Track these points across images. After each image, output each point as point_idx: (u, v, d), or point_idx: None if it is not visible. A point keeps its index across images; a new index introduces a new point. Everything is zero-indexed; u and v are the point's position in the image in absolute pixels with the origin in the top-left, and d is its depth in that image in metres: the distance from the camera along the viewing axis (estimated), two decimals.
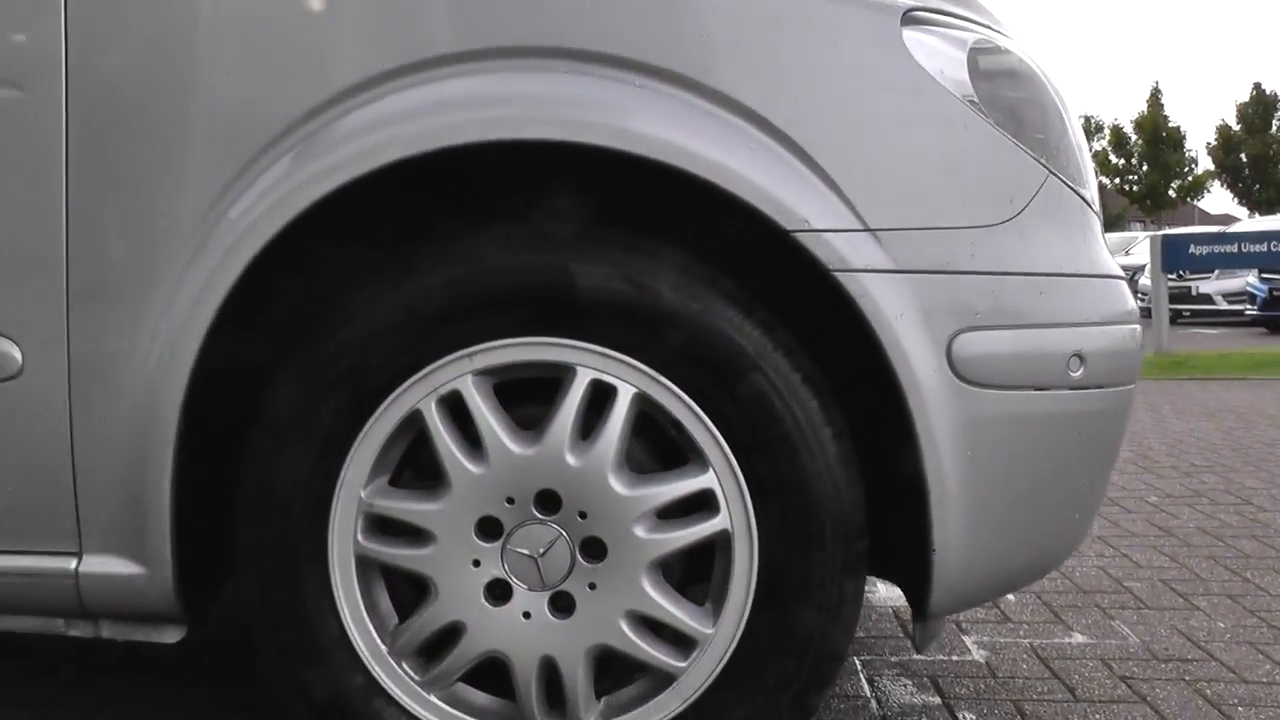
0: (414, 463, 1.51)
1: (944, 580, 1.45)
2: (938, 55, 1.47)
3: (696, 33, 1.43)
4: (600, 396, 1.42)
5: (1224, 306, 15.93)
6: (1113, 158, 48.90)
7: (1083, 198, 1.55)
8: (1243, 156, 46.84)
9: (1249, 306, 13.49)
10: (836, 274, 1.37)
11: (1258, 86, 46.84)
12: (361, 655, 1.48)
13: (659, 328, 1.39)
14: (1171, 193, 47.07)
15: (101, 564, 1.50)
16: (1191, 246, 10.25)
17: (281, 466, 1.44)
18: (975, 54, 1.50)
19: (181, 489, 1.48)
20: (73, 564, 1.50)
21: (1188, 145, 47.90)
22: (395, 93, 1.42)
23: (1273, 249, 10.11)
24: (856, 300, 1.38)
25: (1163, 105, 46.65)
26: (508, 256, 1.41)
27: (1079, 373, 1.46)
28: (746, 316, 1.41)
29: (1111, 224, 57.89)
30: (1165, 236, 10.41)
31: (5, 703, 1.99)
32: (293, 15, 1.45)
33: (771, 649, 1.43)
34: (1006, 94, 1.51)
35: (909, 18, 1.48)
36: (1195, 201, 50.88)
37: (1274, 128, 46.82)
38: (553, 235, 1.43)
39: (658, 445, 1.48)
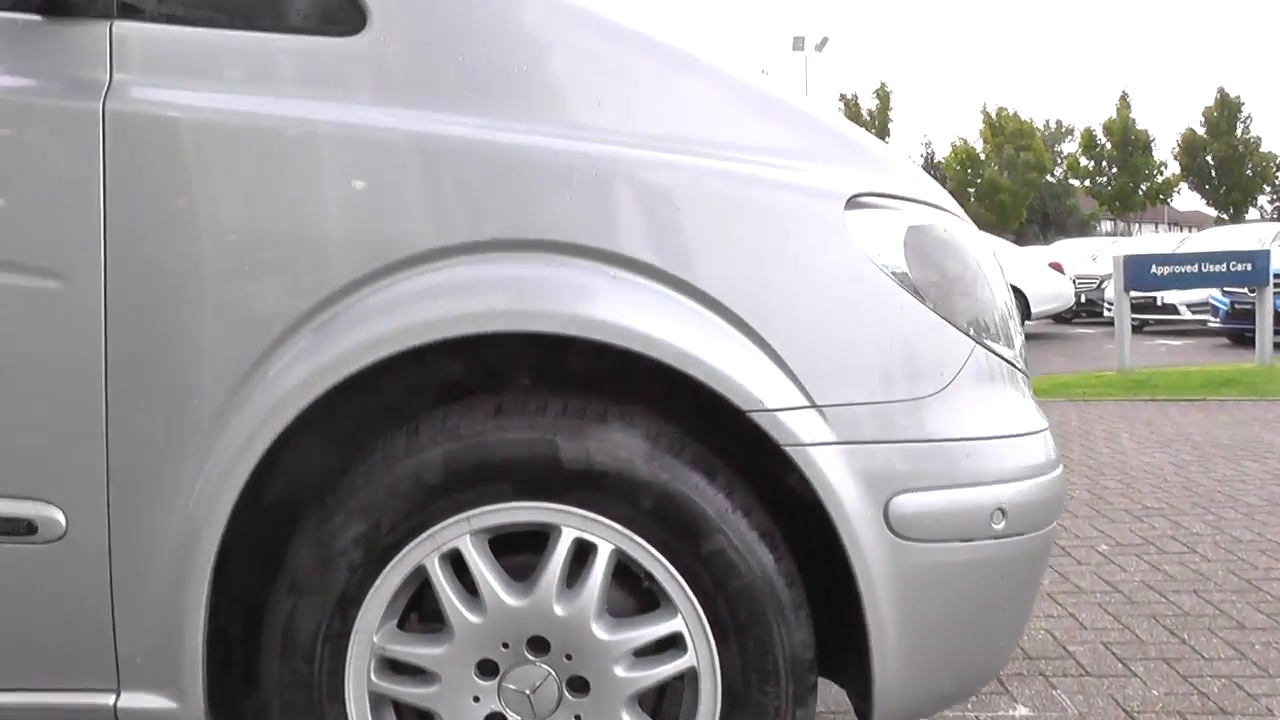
0: (419, 607, 1.70)
1: (885, 705, 1.66)
2: (877, 238, 1.67)
3: (663, 226, 1.63)
4: (582, 551, 1.62)
5: (1188, 316, 16.25)
6: (1083, 160, 49.46)
7: (1008, 360, 1.76)
8: (1209, 159, 47.37)
9: (1212, 318, 13.80)
10: (787, 449, 1.58)
11: (1221, 91, 47.47)
12: None
13: (634, 494, 1.59)
14: (1140, 195, 47.54)
15: (138, 700, 1.68)
16: (1154, 267, 10.54)
17: (303, 617, 1.64)
18: (911, 234, 1.70)
19: (212, 628, 1.67)
20: (111, 699, 1.68)
21: (1156, 149, 48.26)
22: (398, 283, 1.61)
23: (1232, 269, 10.41)
24: (804, 470, 1.58)
25: (1131, 109, 47.15)
26: (499, 433, 1.61)
27: (1001, 525, 1.67)
28: (710, 481, 1.61)
29: (1083, 226, 58.54)
30: (1128, 257, 10.66)
31: None
32: (307, 217, 1.64)
33: None
34: (938, 272, 1.71)
35: (852, 202, 1.68)
36: (1166, 202, 51.54)
37: (1238, 130, 47.37)
38: (539, 410, 1.63)
39: (634, 586, 1.68)
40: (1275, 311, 10.37)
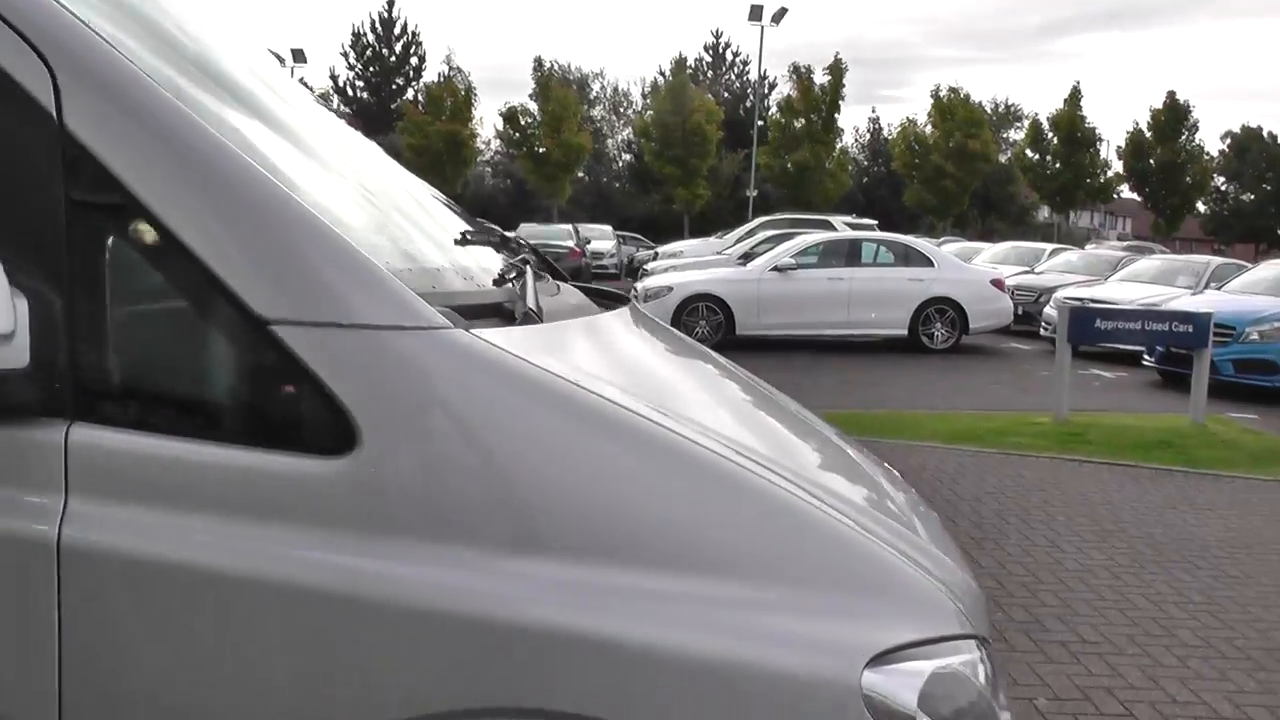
0: None
1: None
2: (899, 691, 1.60)
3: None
4: None
5: (1126, 347, 16.49)
6: (1029, 152, 49.81)
7: None
8: (1151, 162, 47.97)
9: (1147, 357, 13.99)
10: None
11: (1171, 95, 47.97)
12: None
13: None
14: (1081, 193, 48.09)
15: None
16: (1098, 321, 10.63)
17: None
18: (932, 681, 1.63)
19: None
20: None
21: (1103, 147, 48.79)
22: None
23: (1174, 328, 10.53)
24: None
25: (1080, 105, 47.49)
26: None
27: None
28: None
29: (1021, 213, 59.16)
30: (1074, 309, 10.76)
31: None
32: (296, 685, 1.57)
33: None
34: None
35: (874, 660, 1.60)
36: (1104, 205, 52.29)
37: (1184, 136, 48.00)
38: None
39: None
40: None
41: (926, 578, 1.72)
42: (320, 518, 1.54)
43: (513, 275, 2.11)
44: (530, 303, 1.88)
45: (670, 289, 16.13)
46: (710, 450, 1.66)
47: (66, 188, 1.54)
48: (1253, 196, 59.38)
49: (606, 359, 2.04)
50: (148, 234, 1.57)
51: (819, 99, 44.87)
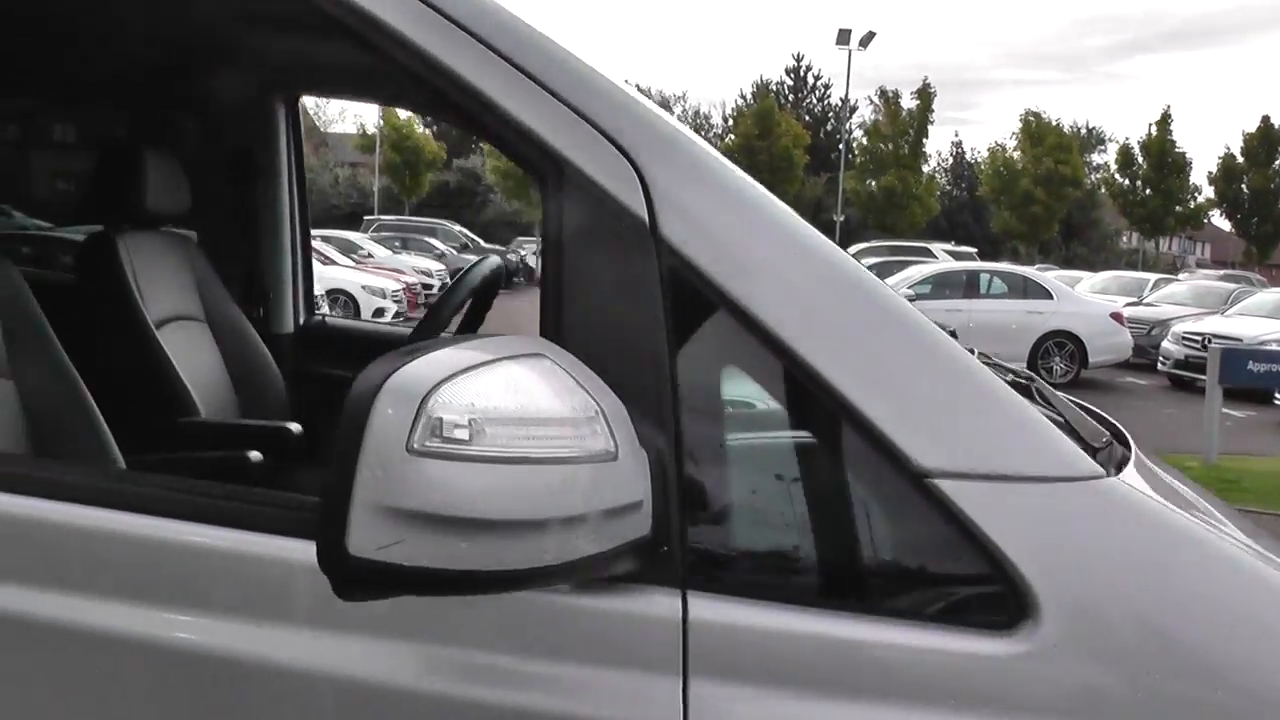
0: None
1: None
2: None
3: None
4: None
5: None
6: (1118, 177, 49.26)
7: None
8: (1244, 188, 47.24)
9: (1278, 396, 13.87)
10: None
11: (1266, 119, 47.18)
12: None
13: None
14: (1172, 220, 47.47)
15: None
16: (1250, 363, 10.62)
17: None
18: None
19: None
20: None
21: (1193, 172, 48.12)
22: None
23: None
24: None
25: (1171, 130, 46.93)
26: None
27: None
28: None
29: (1105, 238, 58.29)
30: (1225, 351, 10.73)
31: None
32: None
33: None
34: None
35: None
36: (1192, 232, 51.48)
37: (1278, 162, 47.20)
38: None
39: None
40: None
41: None
42: (993, 707, 1.24)
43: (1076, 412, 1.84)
44: (1114, 439, 1.67)
45: None
46: None
47: (668, 313, 1.29)
48: None
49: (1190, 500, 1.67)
50: (772, 367, 1.30)
51: (906, 123, 44.80)
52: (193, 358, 3.18)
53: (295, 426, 3.03)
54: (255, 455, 2.77)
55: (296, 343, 3.88)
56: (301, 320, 3.95)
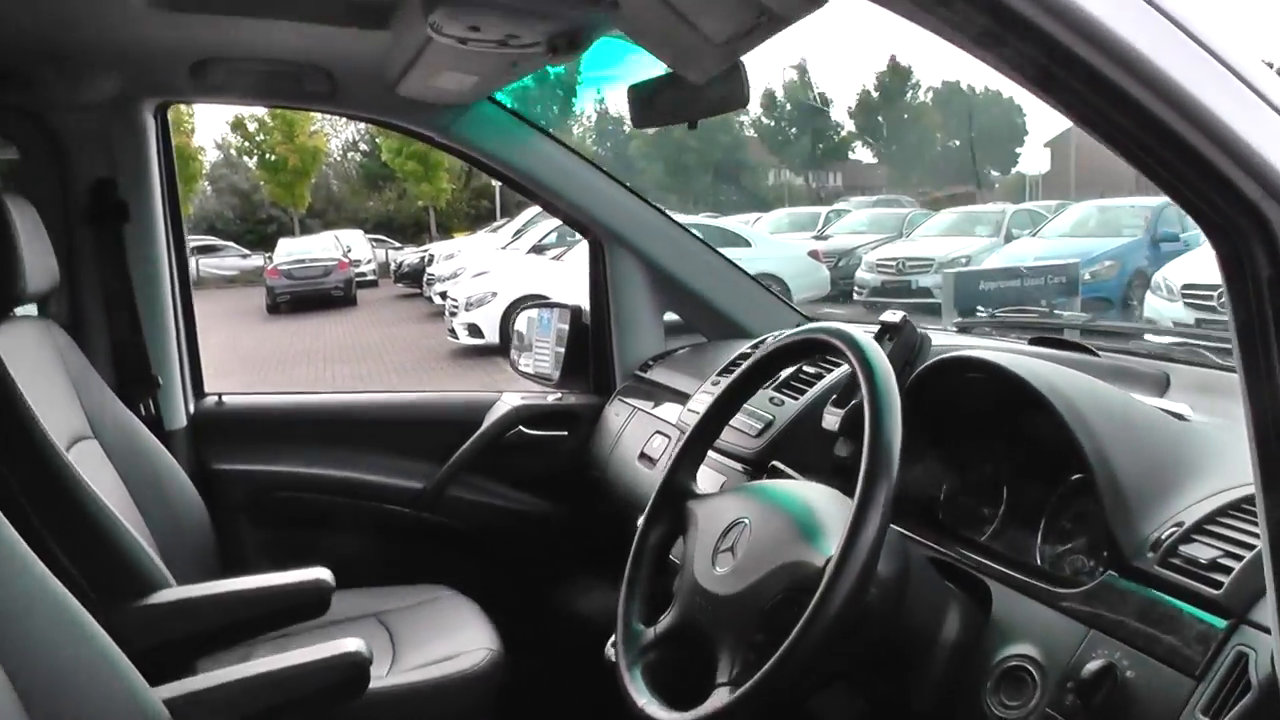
0: None
1: None
2: None
3: None
4: None
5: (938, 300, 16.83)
6: (764, 119, 51.26)
7: None
8: (880, 119, 50.46)
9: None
10: None
11: (893, 59, 50.70)
12: None
13: None
14: (819, 153, 50.13)
15: None
16: (981, 283, 10.70)
17: None
18: None
19: None
20: None
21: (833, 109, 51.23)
22: None
23: (1050, 281, 10.69)
24: None
25: (808, 74, 49.40)
26: None
27: None
28: None
29: (752, 173, 60.79)
30: (959, 275, 10.84)
31: None
32: None
33: None
34: None
35: None
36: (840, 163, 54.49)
37: (907, 95, 50.77)
38: None
39: None
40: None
41: None
42: None
43: None
44: None
45: (494, 294, 15.25)
46: None
47: None
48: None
49: None
50: None
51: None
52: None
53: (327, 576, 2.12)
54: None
55: (190, 437, 2.82)
56: (192, 408, 2.87)
